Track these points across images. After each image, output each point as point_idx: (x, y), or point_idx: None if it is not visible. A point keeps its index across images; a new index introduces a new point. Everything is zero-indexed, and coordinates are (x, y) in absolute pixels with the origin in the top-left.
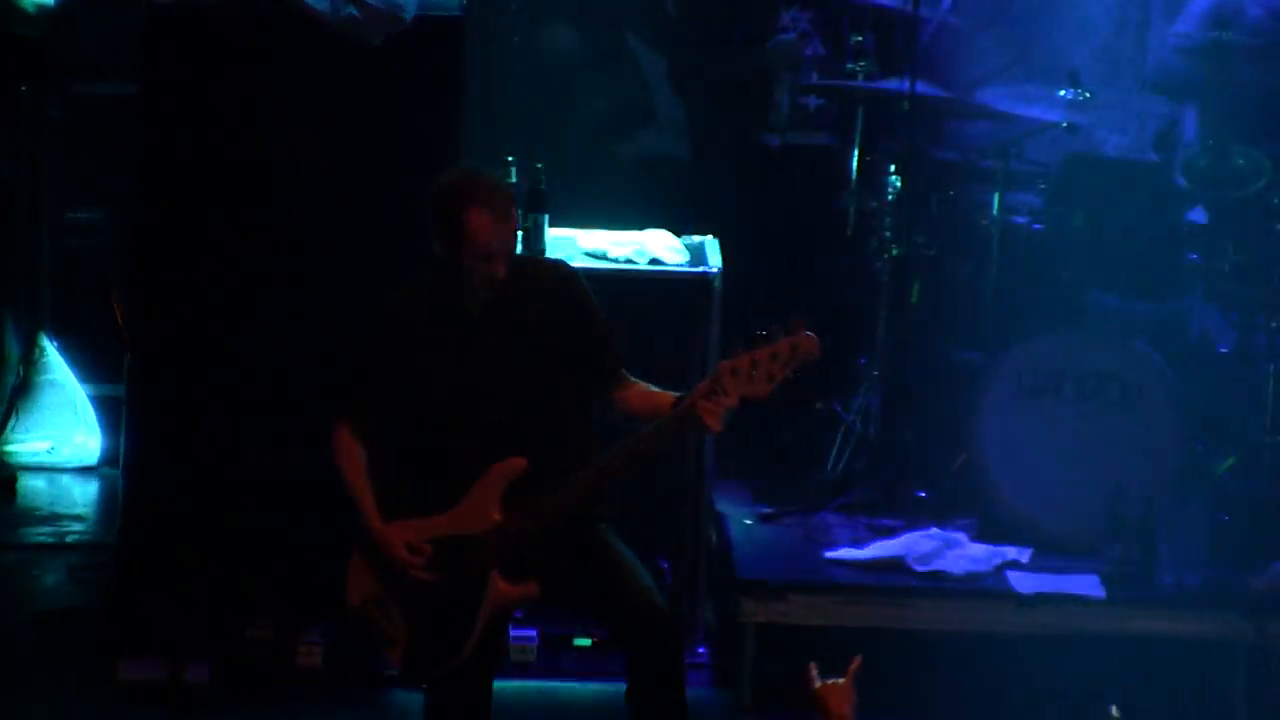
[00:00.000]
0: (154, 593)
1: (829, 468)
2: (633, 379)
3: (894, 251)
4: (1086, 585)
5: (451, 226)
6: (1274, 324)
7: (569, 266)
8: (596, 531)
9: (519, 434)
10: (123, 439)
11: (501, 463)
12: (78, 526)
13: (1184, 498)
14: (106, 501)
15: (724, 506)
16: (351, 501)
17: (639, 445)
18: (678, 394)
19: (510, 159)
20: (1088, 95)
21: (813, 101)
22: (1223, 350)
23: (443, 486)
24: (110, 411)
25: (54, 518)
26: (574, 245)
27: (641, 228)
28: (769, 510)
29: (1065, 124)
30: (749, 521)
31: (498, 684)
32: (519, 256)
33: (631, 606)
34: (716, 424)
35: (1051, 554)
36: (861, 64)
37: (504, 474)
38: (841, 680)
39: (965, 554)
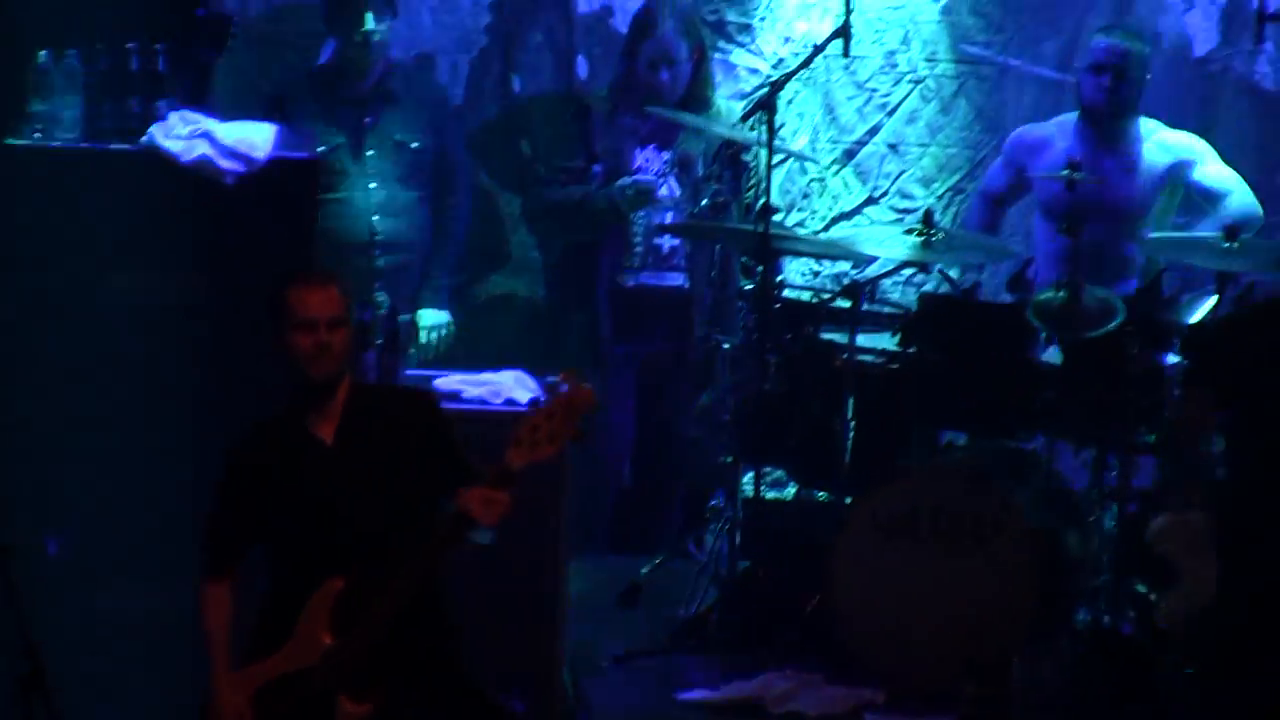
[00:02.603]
0: None
1: (683, 608)
2: None
3: (747, 391)
4: None
5: (276, 312)
6: (1125, 464)
7: (425, 390)
8: (444, 661)
9: (375, 559)
10: None
11: (321, 589)
12: None
13: (1040, 639)
14: None
15: (578, 646)
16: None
17: (437, 542)
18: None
19: (364, 300)
20: (941, 235)
21: (667, 242)
22: (1077, 489)
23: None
24: None
25: None
26: (428, 386)
27: (496, 368)
28: (623, 651)
29: (921, 263)
30: (604, 663)
31: None
32: (374, 384)
33: None
34: (487, 518)
35: (908, 695)
36: (716, 203)
37: (325, 598)
38: None
39: (821, 695)
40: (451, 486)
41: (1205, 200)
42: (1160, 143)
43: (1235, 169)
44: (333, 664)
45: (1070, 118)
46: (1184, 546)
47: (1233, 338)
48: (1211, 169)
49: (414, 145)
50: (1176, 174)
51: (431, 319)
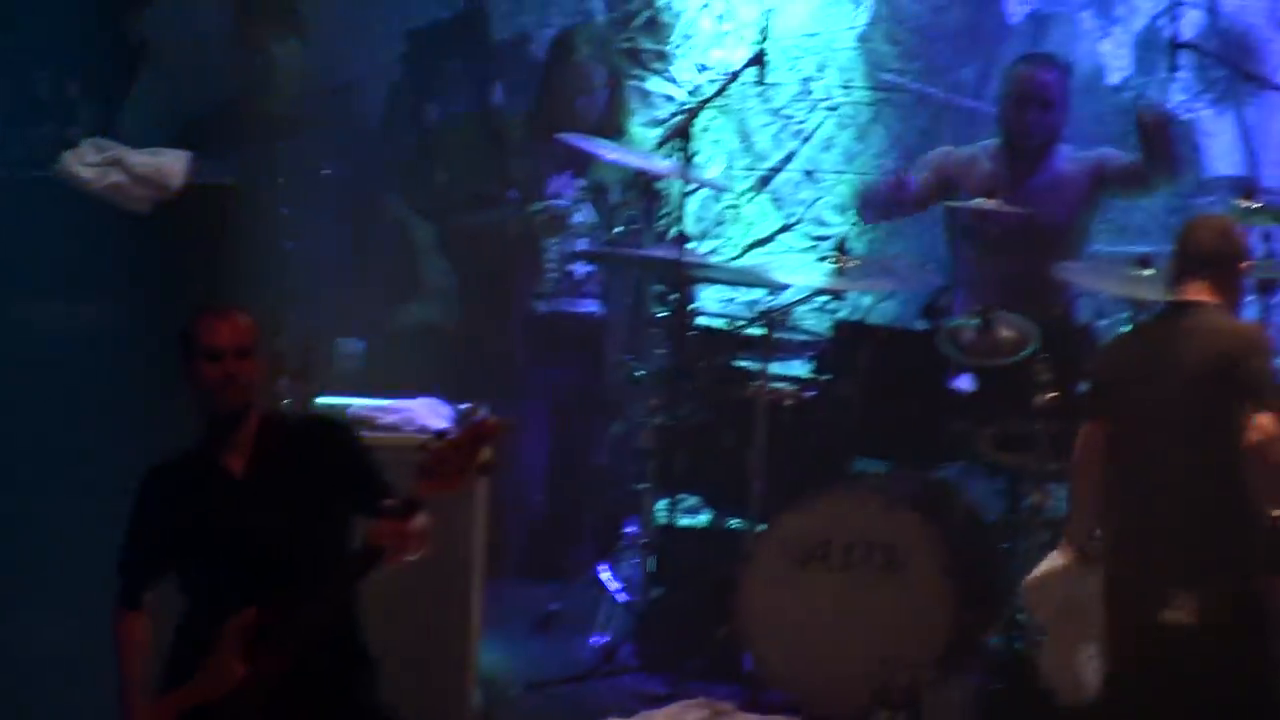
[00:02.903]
0: None
1: (596, 635)
2: None
3: (661, 418)
4: None
5: (184, 341)
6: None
7: (336, 417)
8: (359, 690)
9: (290, 589)
10: None
11: (235, 619)
12: None
13: (952, 666)
14: None
15: (492, 674)
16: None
17: (349, 569)
18: None
19: (277, 328)
20: (856, 263)
21: (581, 268)
22: (990, 519)
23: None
24: None
25: None
26: (341, 413)
27: (412, 395)
28: (536, 679)
29: (833, 291)
30: (516, 690)
31: None
32: (286, 414)
33: None
34: (397, 549)
35: None
36: (631, 230)
37: (239, 628)
38: None
39: None
40: (374, 509)
41: (1129, 181)
42: (1076, 160)
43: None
44: (246, 693)
45: (992, 143)
46: (1046, 607)
47: (1102, 366)
48: (1115, 161)
49: (329, 172)
50: (1097, 181)
51: (347, 346)
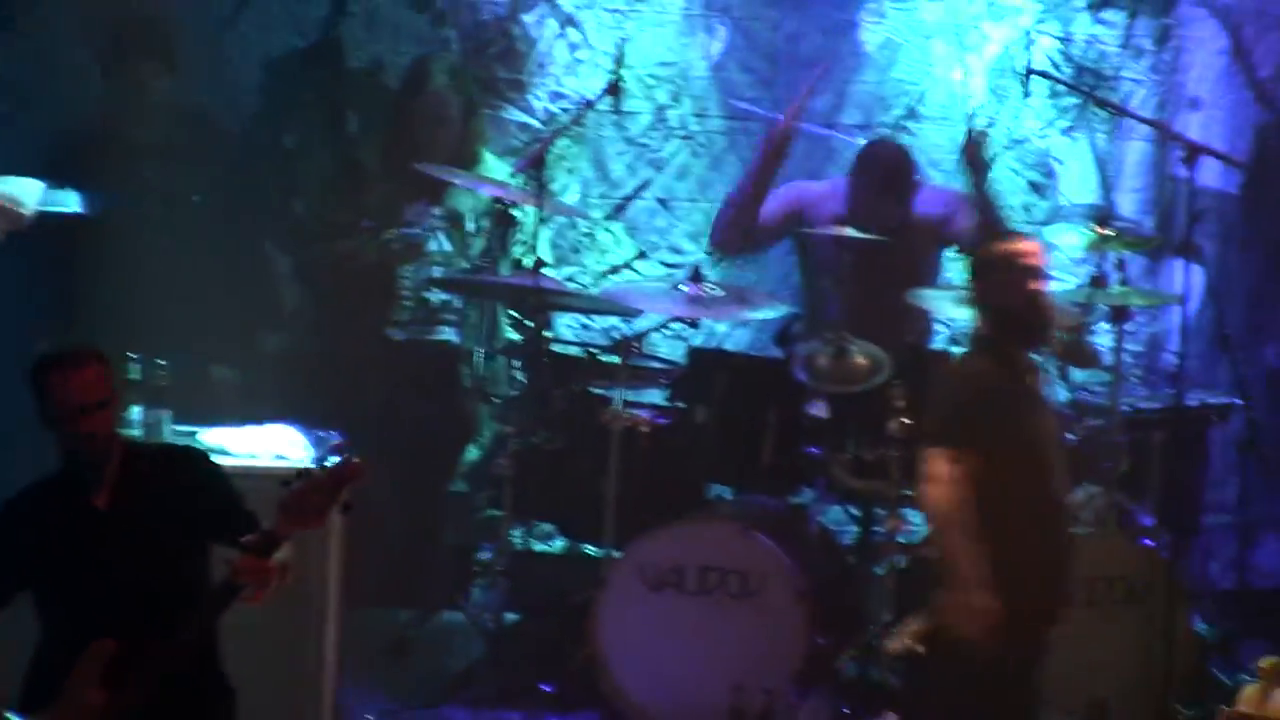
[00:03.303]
0: None
1: (451, 661)
2: None
3: (516, 445)
4: None
5: (38, 393)
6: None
7: (197, 448)
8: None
9: (149, 619)
10: None
11: (93, 649)
12: None
13: (806, 689)
14: None
15: (346, 700)
16: None
17: (209, 604)
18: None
19: (132, 355)
20: (712, 290)
21: (437, 296)
22: (844, 544)
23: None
24: None
25: None
26: (195, 442)
27: (269, 423)
28: (390, 705)
29: (688, 318)
30: (371, 716)
31: None
32: (148, 445)
33: None
34: (256, 586)
35: None
36: (486, 258)
37: (97, 658)
38: None
39: None
40: (237, 537)
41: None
42: (930, 194)
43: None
44: None
45: (844, 181)
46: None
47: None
48: (964, 225)
49: (197, 199)
50: (945, 230)
51: (215, 373)
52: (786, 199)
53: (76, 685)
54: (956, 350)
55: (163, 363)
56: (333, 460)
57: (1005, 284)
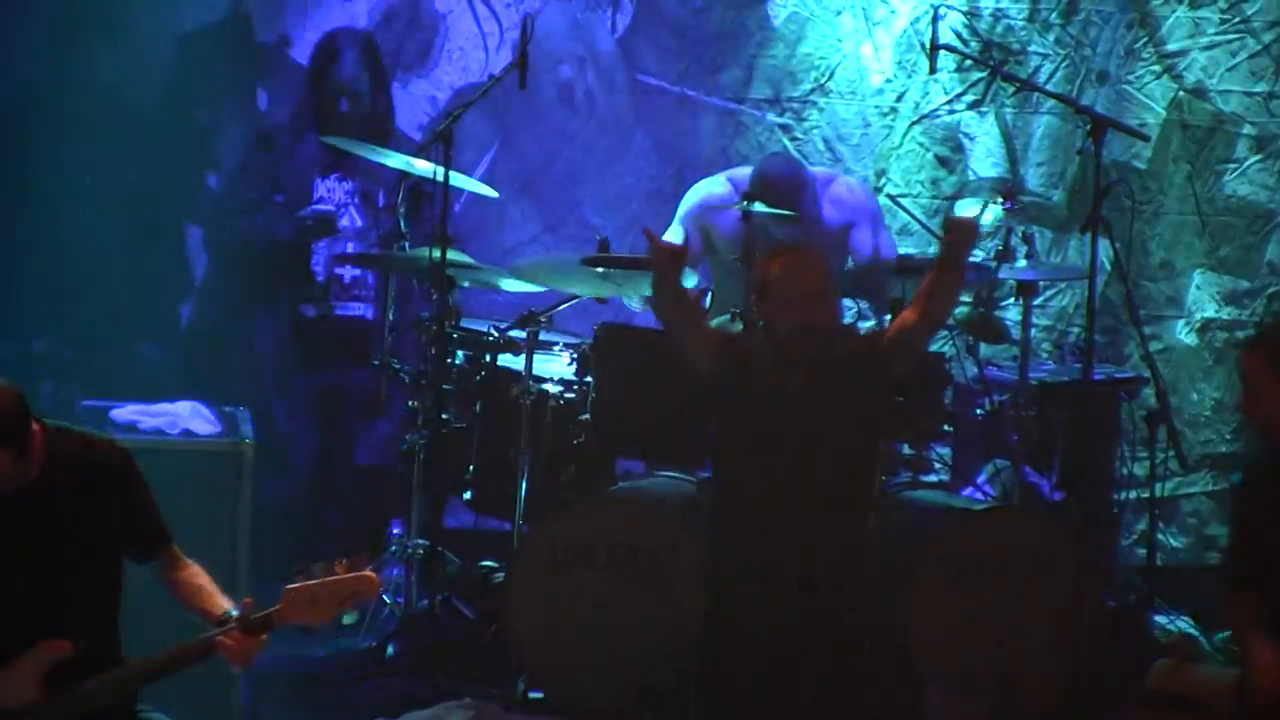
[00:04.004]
0: None
1: (362, 636)
2: (186, 560)
3: (426, 420)
4: None
5: None
6: None
7: (117, 444)
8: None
9: (54, 611)
10: None
11: (48, 642)
12: None
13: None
14: None
15: (256, 674)
16: None
17: (169, 660)
18: (226, 611)
19: (36, 339)
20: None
21: (349, 271)
22: None
23: None
24: None
25: None
26: (105, 417)
27: (180, 399)
28: (303, 680)
29: (597, 293)
30: (282, 690)
31: None
32: (68, 433)
33: None
34: (242, 663)
35: None
36: (397, 233)
37: (48, 653)
38: None
39: None
40: (142, 548)
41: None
42: (835, 200)
43: (915, 198)
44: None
45: (744, 173)
46: None
47: None
48: (864, 237)
49: (108, 174)
50: (844, 232)
51: (138, 348)
52: (695, 218)
53: (20, 672)
54: (865, 325)
55: (68, 340)
56: (354, 563)
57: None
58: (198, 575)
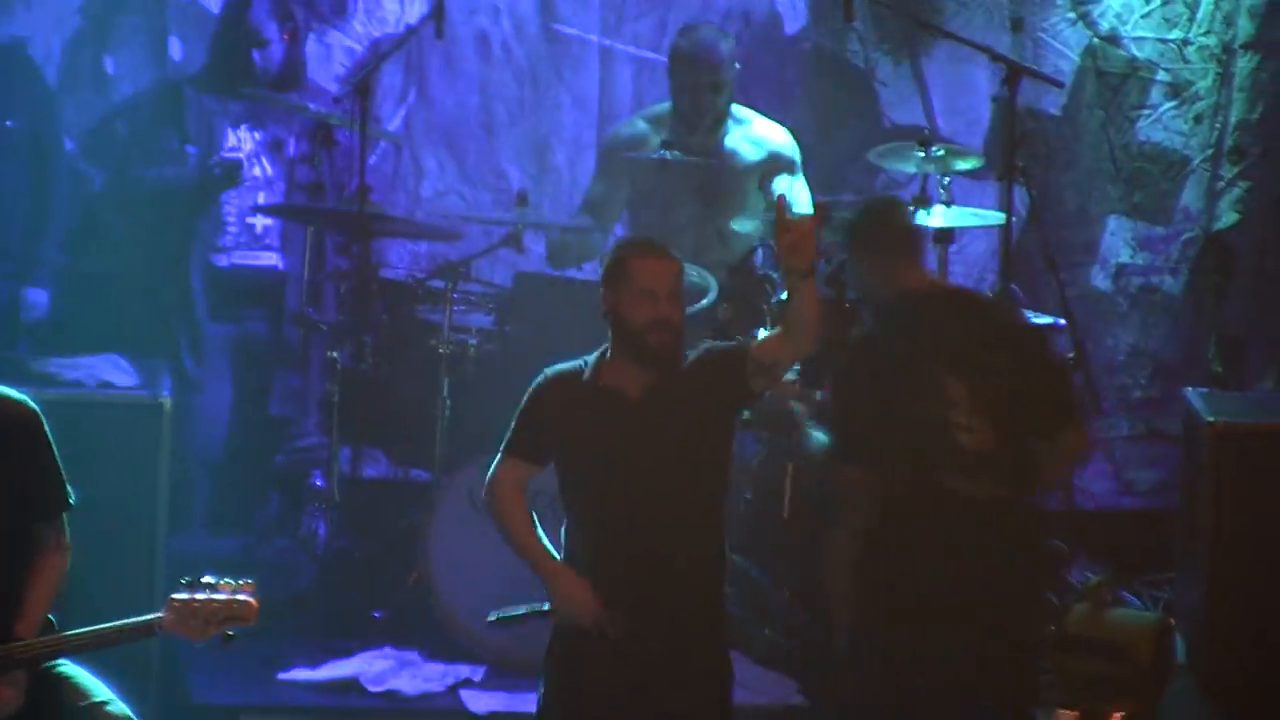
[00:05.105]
0: None
1: (281, 588)
2: (61, 549)
3: (343, 371)
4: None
5: None
6: None
7: (27, 403)
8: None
9: None
10: None
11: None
12: None
13: None
14: None
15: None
16: None
17: (90, 640)
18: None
19: None
20: (536, 214)
21: (262, 222)
22: None
23: None
24: None
25: None
26: (23, 369)
27: (93, 351)
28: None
29: (511, 242)
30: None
31: None
32: None
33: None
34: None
35: (506, 672)
36: (310, 183)
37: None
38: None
39: (420, 673)
40: (44, 509)
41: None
42: (753, 138)
43: (826, 144)
44: None
45: (662, 108)
46: None
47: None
48: (781, 183)
49: (9, 124)
50: (762, 170)
51: (32, 296)
52: (604, 170)
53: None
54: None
55: None
56: (239, 588)
57: (629, 301)
58: (50, 575)
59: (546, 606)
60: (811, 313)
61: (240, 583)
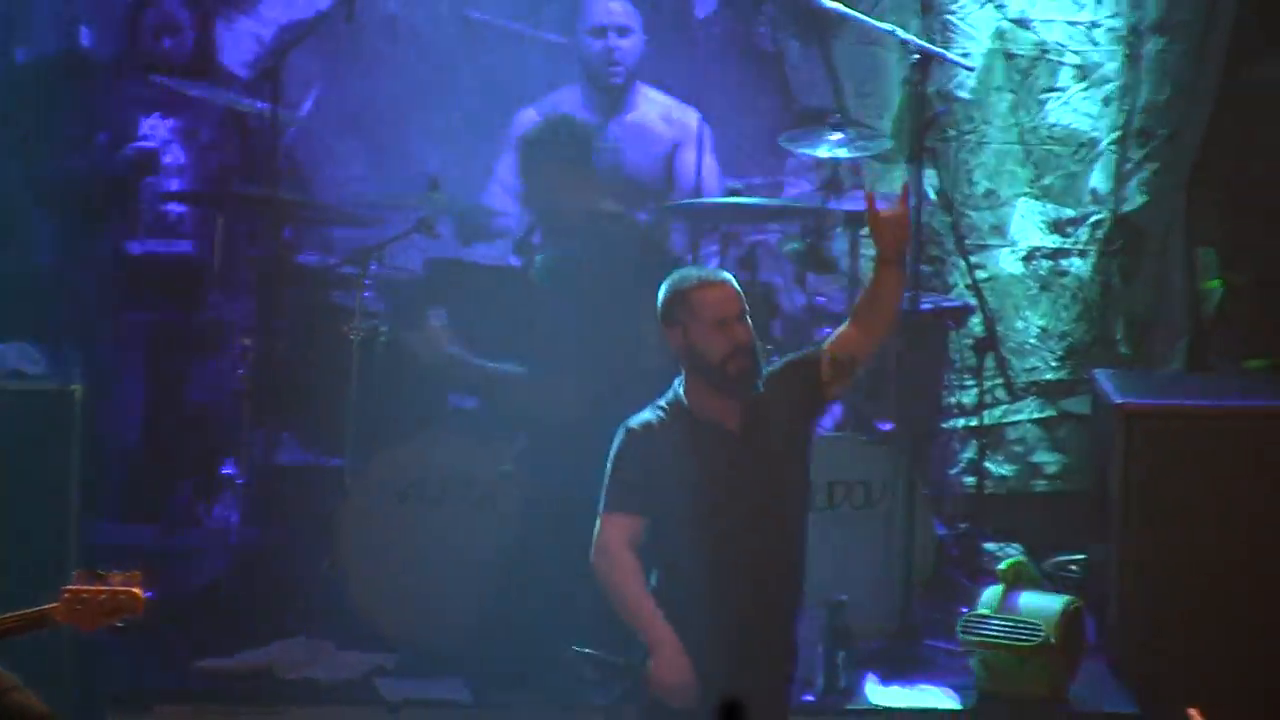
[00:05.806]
0: None
1: (194, 576)
2: None
3: (255, 357)
4: (454, 689)
5: None
6: None
7: None
8: None
9: None
10: None
11: None
12: None
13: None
14: None
15: None
16: None
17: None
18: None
19: None
20: (446, 199)
21: (174, 209)
22: None
23: None
24: None
25: None
26: None
27: (3, 339)
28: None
29: (422, 227)
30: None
31: None
32: None
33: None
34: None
35: (421, 659)
36: (223, 170)
37: None
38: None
39: (333, 661)
40: None
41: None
42: (665, 117)
43: (736, 127)
44: None
45: (572, 90)
46: None
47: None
48: (688, 159)
49: None
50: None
51: None
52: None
53: None
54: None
55: None
56: (127, 579)
57: (701, 336)
58: None
59: (640, 665)
60: (898, 301)
61: (127, 574)
